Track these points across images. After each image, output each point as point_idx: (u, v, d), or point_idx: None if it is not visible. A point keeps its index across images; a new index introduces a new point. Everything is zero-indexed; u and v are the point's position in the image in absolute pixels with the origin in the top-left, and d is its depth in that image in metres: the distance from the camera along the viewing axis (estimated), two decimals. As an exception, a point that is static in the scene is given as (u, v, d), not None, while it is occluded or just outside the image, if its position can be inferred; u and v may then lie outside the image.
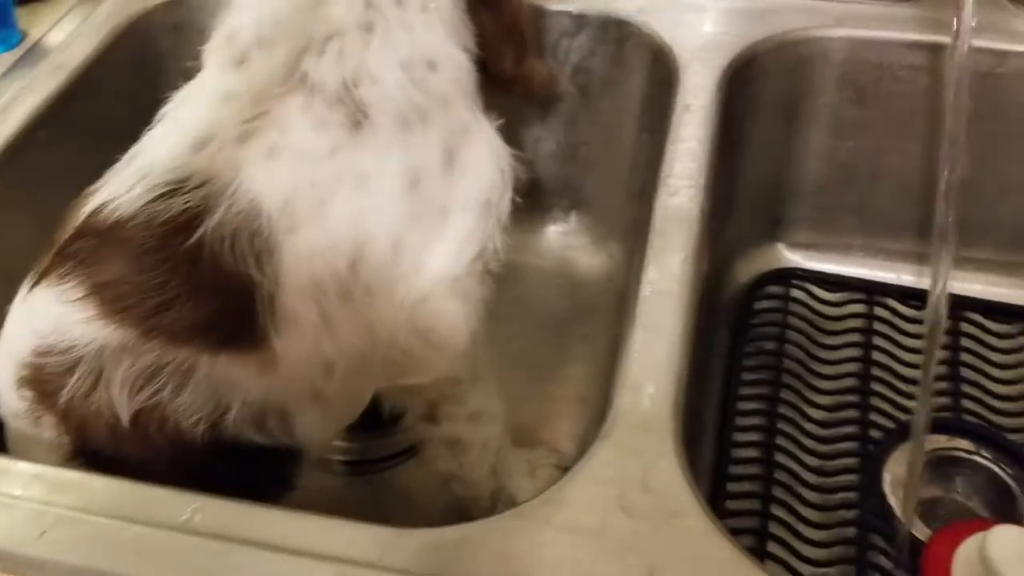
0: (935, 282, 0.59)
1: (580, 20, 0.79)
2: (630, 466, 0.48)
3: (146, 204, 0.53)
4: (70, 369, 0.52)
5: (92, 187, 0.57)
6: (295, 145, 0.55)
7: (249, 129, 0.55)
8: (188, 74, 0.83)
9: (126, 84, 0.80)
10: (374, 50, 0.56)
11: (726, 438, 0.76)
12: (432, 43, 0.58)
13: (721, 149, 0.69)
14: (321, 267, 0.54)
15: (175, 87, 0.83)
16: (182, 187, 0.53)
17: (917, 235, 0.85)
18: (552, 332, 0.86)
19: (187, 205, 0.52)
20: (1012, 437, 0.75)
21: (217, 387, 0.53)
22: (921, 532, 0.69)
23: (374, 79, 0.56)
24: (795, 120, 0.80)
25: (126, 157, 0.57)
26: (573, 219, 0.92)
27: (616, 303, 0.85)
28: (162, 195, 0.53)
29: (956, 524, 0.66)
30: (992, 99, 0.74)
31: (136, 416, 0.52)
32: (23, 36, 0.80)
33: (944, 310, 0.61)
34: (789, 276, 0.88)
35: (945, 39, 0.74)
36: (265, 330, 0.53)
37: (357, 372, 0.57)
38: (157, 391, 0.52)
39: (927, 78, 0.76)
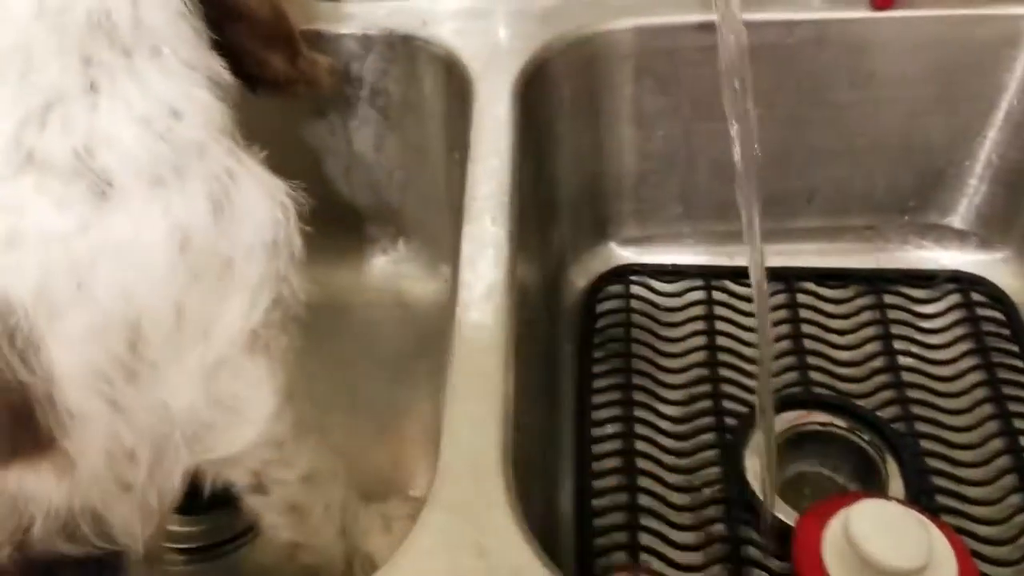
0: (753, 259, 0.58)
1: (365, 41, 0.75)
2: (463, 529, 0.44)
3: None
4: None
5: None
6: (37, 229, 0.49)
7: None
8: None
9: None
10: (104, 111, 0.51)
11: (585, 452, 0.74)
12: (170, 89, 0.53)
13: (527, 159, 0.66)
14: (97, 352, 0.49)
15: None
16: None
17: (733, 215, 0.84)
18: (395, 369, 0.82)
19: None
20: (862, 403, 0.75)
21: (14, 503, 0.48)
22: (789, 516, 0.68)
23: (110, 143, 0.50)
24: (601, 116, 0.78)
25: None
26: (401, 247, 0.88)
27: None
28: None
29: (820, 504, 0.65)
30: (787, 70, 0.74)
31: None
32: None
33: (765, 285, 0.60)
34: (626, 273, 0.86)
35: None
36: (51, 433, 0.48)
37: (163, 456, 0.53)
38: None
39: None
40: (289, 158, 0.57)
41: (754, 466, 0.72)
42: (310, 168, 0.81)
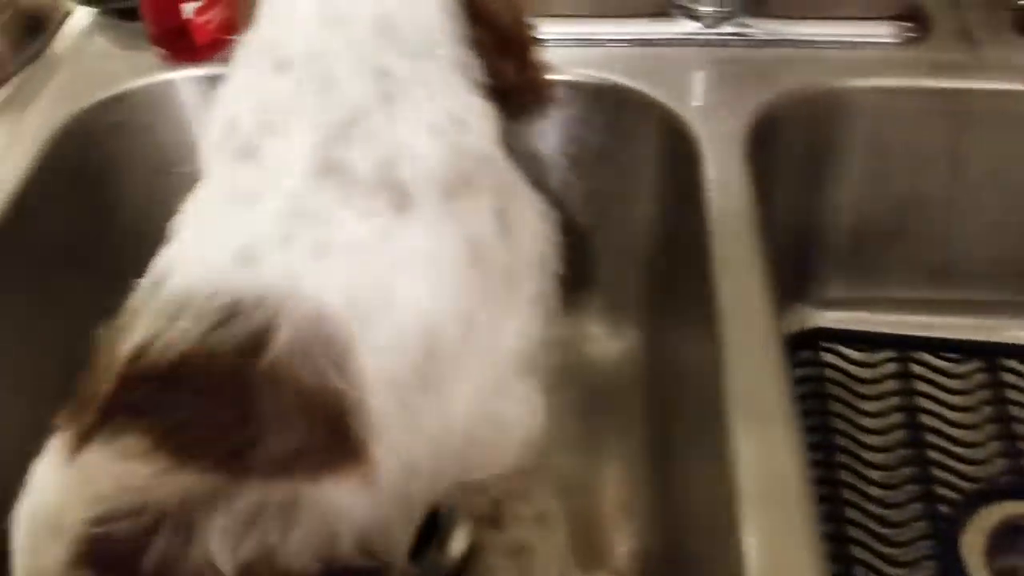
0: None
1: (571, 87, 0.72)
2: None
3: (202, 335, 0.46)
4: (149, 530, 0.44)
5: (116, 323, 0.48)
6: (343, 239, 0.49)
7: (288, 231, 0.49)
8: (140, 178, 0.74)
9: (67, 200, 0.70)
10: (400, 123, 0.50)
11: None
12: (454, 96, 0.53)
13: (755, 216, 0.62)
14: (399, 361, 0.49)
15: (126, 194, 0.74)
16: (237, 311, 0.46)
17: (942, 283, 0.80)
18: (579, 428, 0.77)
19: (249, 329, 0.46)
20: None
21: (325, 517, 0.47)
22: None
23: (409, 155, 0.50)
24: (816, 176, 0.74)
25: (148, 281, 0.50)
26: (583, 302, 0.84)
27: (641, 393, 0.77)
28: (218, 323, 0.46)
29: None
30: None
31: (243, 569, 0.45)
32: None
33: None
34: (818, 337, 0.81)
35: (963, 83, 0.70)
36: (361, 440, 0.47)
37: (437, 471, 0.52)
38: (262, 537, 0.45)
39: (947, 121, 0.71)
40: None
41: (970, 550, 0.67)
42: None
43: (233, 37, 0.57)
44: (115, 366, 0.47)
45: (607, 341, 0.82)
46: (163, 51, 0.74)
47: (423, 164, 0.50)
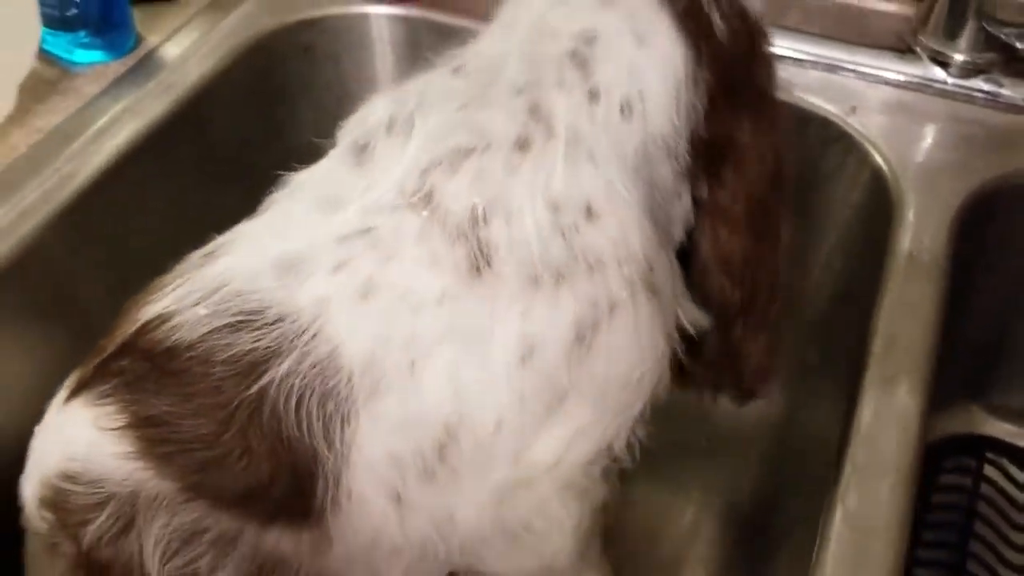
0: None
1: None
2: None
3: (209, 333, 0.43)
4: (98, 505, 0.44)
5: (159, 282, 0.47)
6: (397, 283, 0.44)
7: (346, 255, 0.44)
8: (316, 104, 0.74)
9: (242, 111, 0.70)
10: (521, 177, 0.44)
11: None
12: (602, 180, 0.44)
13: (946, 311, 0.55)
14: (403, 444, 0.44)
15: (299, 118, 0.74)
16: (254, 320, 0.43)
17: None
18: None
19: (256, 344, 0.43)
20: None
21: (262, 563, 0.45)
22: None
23: (510, 218, 0.43)
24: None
25: (205, 251, 0.47)
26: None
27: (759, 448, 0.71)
28: (229, 325, 0.43)
29: None
30: None
31: None
32: (138, 41, 0.70)
33: None
34: (983, 446, 0.72)
35: None
36: (324, 509, 0.44)
37: (425, 559, 0.48)
38: (192, 560, 0.44)
39: None
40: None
41: None
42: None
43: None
44: (127, 327, 0.46)
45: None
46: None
47: (519, 235, 0.43)
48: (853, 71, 0.67)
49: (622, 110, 0.45)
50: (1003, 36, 0.62)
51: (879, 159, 0.61)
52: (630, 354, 0.45)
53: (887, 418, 0.47)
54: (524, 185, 0.43)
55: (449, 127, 0.45)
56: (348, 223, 0.45)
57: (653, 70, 0.45)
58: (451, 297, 0.43)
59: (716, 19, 0.46)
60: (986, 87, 0.64)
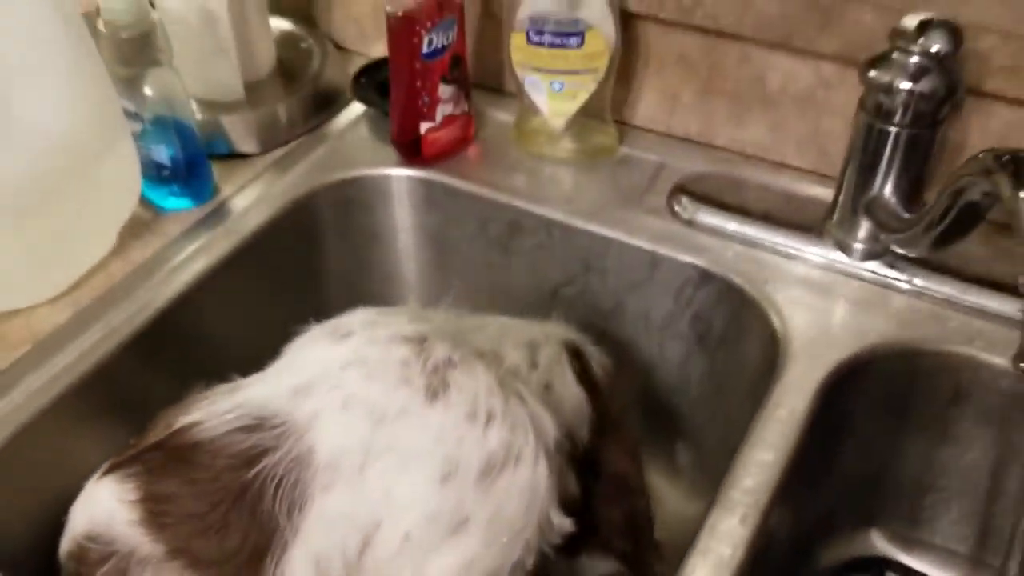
0: None
1: (706, 276, 0.80)
2: None
3: (227, 433, 0.57)
4: (104, 559, 0.58)
5: (193, 398, 0.63)
6: (370, 399, 0.57)
7: (343, 376, 0.59)
8: (351, 243, 0.92)
9: (286, 251, 0.88)
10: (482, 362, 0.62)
11: None
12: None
13: (811, 454, 0.68)
14: (336, 537, 0.56)
15: (336, 254, 0.92)
16: (263, 423, 0.57)
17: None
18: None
19: (259, 441, 0.57)
20: None
21: None
22: None
23: (472, 370, 0.59)
24: (905, 426, 0.77)
25: (230, 386, 0.63)
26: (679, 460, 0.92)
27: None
28: (245, 427, 0.57)
29: None
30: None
31: None
32: (216, 191, 0.89)
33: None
34: (880, 566, 0.84)
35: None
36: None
37: None
38: None
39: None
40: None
41: None
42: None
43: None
44: (160, 431, 0.60)
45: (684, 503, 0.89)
46: (398, 152, 0.91)
47: (473, 384, 0.59)
48: (772, 249, 0.81)
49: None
50: (882, 238, 0.76)
51: (776, 324, 0.75)
52: (523, 498, 0.58)
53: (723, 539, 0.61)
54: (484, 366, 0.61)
55: (461, 329, 0.66)
56: (351, 352, 0.60)
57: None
58: (408, 413, 0.57)
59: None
60: (880, 271, 0.77)
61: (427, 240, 0.93)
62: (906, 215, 0.73)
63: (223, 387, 0.63)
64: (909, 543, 0.84)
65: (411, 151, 0.90)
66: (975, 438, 0.76)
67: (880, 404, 0.76)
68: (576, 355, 0.71)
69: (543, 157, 0.91)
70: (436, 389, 0.58)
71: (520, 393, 0.61)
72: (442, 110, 0.88)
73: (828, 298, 0.77)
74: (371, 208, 0.92)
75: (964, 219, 0.63)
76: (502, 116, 0.95)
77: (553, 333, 0.73)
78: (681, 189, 0.86)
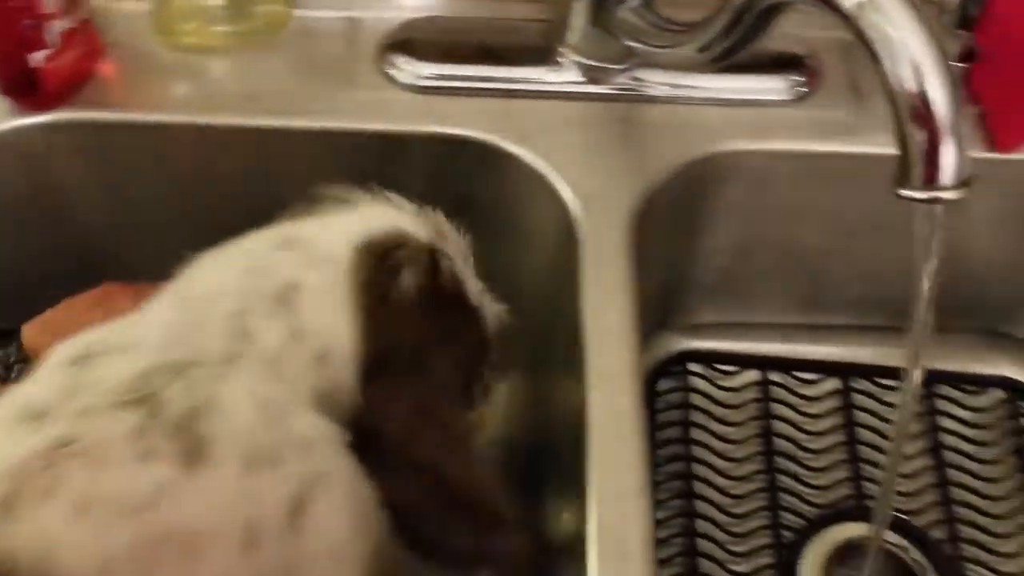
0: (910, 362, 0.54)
1: (454, 144, 0.70)
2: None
3: None
4: None
5: None
6: (111, 490, 0.44)
7: (54, 475, 0.44)
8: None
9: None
10: (229, 383, 0.48)
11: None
12: (303, 380, 0.51)
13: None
14: None
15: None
16: None
17: (808, 312, 0.84)
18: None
19: None
20: (916, 521, 0.78)
21: None
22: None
23: (223, 413, 0.47)
24: (695, 226, 0.76)
25: None
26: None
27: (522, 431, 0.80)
28: None
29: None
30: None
31: None
32: None
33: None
34: (687, 359, 0.85)
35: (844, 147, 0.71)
36: None
37: None
38: None
39: (826, 180, 0.74)
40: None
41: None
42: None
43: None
44: None
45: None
46: (8, 97, 0.68)
47: (233, 428, 0.47)
48: (510, 91, 0.72)
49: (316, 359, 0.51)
50: (639, 51, 0.69)
51: (553, 182, 0.68)
52: (344, 524, 0.49)
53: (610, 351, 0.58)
54: (233, 389, 0.48)
55: (168, 343, 0.49)
56: (52, 434, 0.45)
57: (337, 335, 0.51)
58: (168, 490, 0.45)
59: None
60: (628, 85, 0.72)
61: (99, 203, 0.72)
62: (668, 26, 0.67)
63: None
64: (699, 330, 0.86)
65: (25, 90, 0.67)
66: (738, 222, 0.76)
67: (675, 219, 0.73)
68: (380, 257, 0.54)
69: (201, 50, 0.71)
70: (191, 452, 0.46)
71: (288, 409, 0.49)
72: (55, 27, 0.65)
73: (593, 131, 0.71)
74: (9, 179, 0.69)
75: (758, 24, 0.57)
76: (130, 6, 0.73)
77: (328, 245, 0.54)
78: (389, 48, 0.72)
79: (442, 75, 0.71)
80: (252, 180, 0.72)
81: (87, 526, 0.43)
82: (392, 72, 0.72)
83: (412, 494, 0.52)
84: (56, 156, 0.70)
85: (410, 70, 0.71)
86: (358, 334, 0.51)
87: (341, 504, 0.49)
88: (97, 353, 0.49)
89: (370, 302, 0.52)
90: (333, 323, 0.51)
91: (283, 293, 0.51)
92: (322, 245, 0.53)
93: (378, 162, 0.70)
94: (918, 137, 0.46)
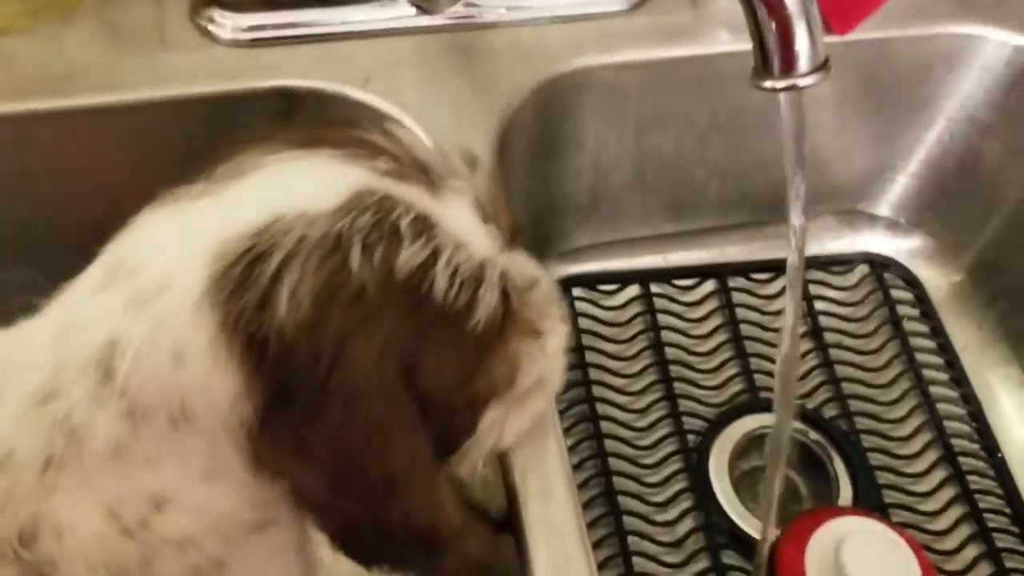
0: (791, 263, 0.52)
1: (291, 96, 0.66)
2: None
3: None
4: None
5: None
6: None
7: None
8: None
9: None
10: (61, 495, 0.40)
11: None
12: (168, 473, 0.40)
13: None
14: None
15: None
16: None
17: (675, 219, 0.84)
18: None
19: None
20: (809, 404, 0.80)
21: None
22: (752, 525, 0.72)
23: (60, 532, 0.40)
24: (554, 148, 0.74)
25: None
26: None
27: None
28: None
29: (798, 520, 0.70)
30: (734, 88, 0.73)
31: None
32: None
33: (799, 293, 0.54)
34: (569, 284, 0.84)
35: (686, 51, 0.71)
36: None
37: None
38: None
39: (674, 85, 0.73)
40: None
41: (722, 487, 0.76)
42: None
43: None
44: None
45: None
46: None
47: (77, 547, 0.40)
48: (340, 34, 0.67)
49: (172, 420, 0.39)
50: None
51: (410, 124, 0.64)
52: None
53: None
54: (68, 500, 0.40)
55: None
56: None
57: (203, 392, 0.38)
58: None
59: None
60: (463, 12, 0.69)
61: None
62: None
63: None
64: (576, 255, 0.85)
65: None
66: (596, 139, 0.75)
67: (533, 145, 0.71)
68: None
69: (-8, 31, 0.64)
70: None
71: (153, 503, 0.40)
72: None
73: (435, 65, 0.67)
74: None
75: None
76: None
77: (164, 268, 0.39)
78: (202, 2, 0.66)
79: (264, 25, 0.66)
80: (77, 171, 0.65)
81: None
82: (210, 28, 0.66)
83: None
84: None
85: (229, 23, 0.66)
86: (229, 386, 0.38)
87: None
88: None
89: (239, 339, 0.37)
90: (179, 382, 0.38)
91: (104, 360, 0.39)
92: (155, 270, 0.39)
93: (213, 128, 0.65)
94: (772, 27, 0.45)
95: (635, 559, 0.72)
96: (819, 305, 0.86)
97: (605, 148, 0.75)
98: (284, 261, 0.37)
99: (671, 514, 0.74)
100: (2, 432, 0.40)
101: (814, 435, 0.79)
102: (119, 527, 0.40)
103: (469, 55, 0.68)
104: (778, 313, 0.84)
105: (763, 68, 0.47)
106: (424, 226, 0.39)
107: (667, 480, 0.76)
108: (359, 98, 0.65)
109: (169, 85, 0.63)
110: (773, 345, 0.83)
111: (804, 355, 0.83)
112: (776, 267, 0.86)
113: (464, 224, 0.40)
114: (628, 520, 0.73)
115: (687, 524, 0.74)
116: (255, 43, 0.66)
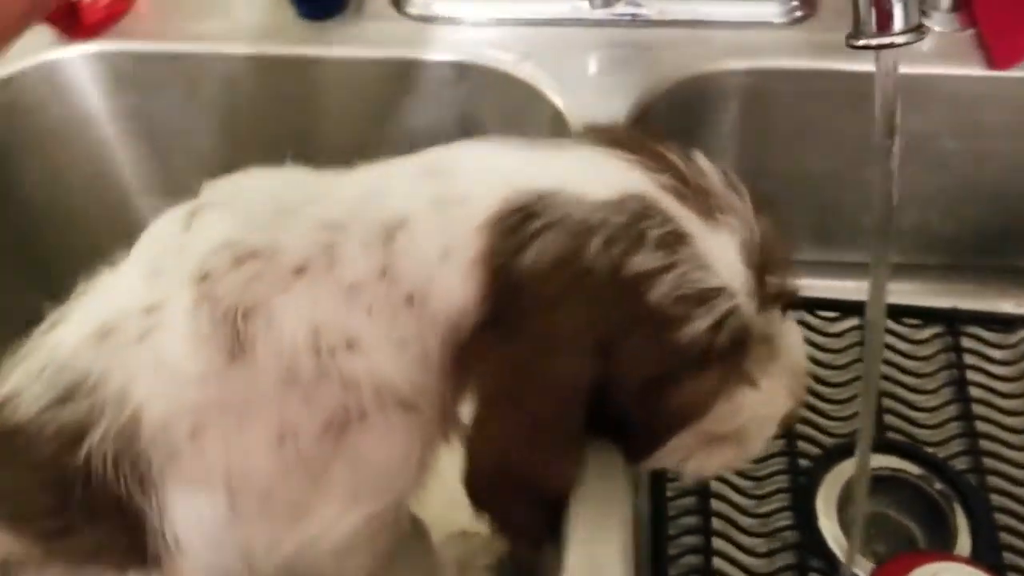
0: (872, 296, 0.53)
1: (460, 69, 0.73)
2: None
3: (41, 410, 0.49)
4: None
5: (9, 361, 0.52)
6: (173, 360, 0.48)
7: (149, 324, 0.49)
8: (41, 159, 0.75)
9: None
10: (289, 295, 0.47)
11: (658, 492, 0.75)
12: (375, 330, 0.47)
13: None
14: (203, 502, 0.50)
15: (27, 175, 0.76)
16: (75, 390, 0.48)
17: (822, 246, 0.84)
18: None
19: (74, 416, 0.48)
20: (933, 450, 0.76)
21: None
22: (859, 565, 0.69)
23: (270, 321, 0.47)
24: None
25: (45, 325, 0.52)
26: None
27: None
28: (57, 399, 0.49)
29: (892, 563, 0.67)
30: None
31: None
32: None
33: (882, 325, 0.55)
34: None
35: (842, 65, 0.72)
36: (160, 556, 0.50)
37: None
38: None
39: (827, 100, 0.74)
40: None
41: (827, 511, 0.73)
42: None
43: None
44: None
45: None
46: (54, 28, 0.74)
47: (276, 338, 0.47)
48: (523, 21, 0.75)
49: (408, 297, 0.47)
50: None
51: (553, 98, 0.70)
52: (379, 456, 0.50)
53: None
54: (294, 303, 0.47)
55: (253, 226, 0.49)
56: (150, 293, 0.49)
57: (448, 288, 0.46)
58: (215, 376, 0.47)
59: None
60: (628, 11, 0.74)
61: (133, 128, 0.78)
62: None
63: (40, 329, 0.52)
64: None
65: (68, 22, 0.73)
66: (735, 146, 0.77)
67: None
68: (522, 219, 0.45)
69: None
70: (233, 347, 0.48)
71: (346, 341, 0.48)
72: (94, -37, 0.71)
73: (591, 54, 0.73)
74: (44, 108, 0.75)
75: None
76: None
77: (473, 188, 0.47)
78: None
79: (452, 8, 0.75)
80: (276, 108, 0.76)
81: (161, 375, 0.48)
82: (406, 6, 0.76)
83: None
84: (102, 87, 0.76)
85: (422, 2, 0.75)
86: (470, 294, 0.46)
87: (380, 443, 0.50)
88: (205, 209, 0.51)
89: (491, 266, 0.45)
90: (435, 272, 0.46)
91: (390, 227, 0.47)
92: (464, 183, 0.47)
93: (387, 89, 0.74)
94: (868, -13, 0.47)
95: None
96: (969, 359, 0.82)
97: (746, 159, 0.77)
98: (545, 226, 0.44)
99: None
100: (281, 236, 0.48)
101: (939, 484, 0.75)
102: (313, 344, 0.47)
103: (625, 47, 0.73)
104: (925, 359, 0.82)
105: (858, 28, 0.49)
106: (673, 240, 0.44)
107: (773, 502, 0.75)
108: (516, 75, 0.72)
109: (351, 47, 0.73)
110: (911, 389, 0.80)
111: (944, 405, 0.79)
112: (933, 314, 0.83)
113: (720, 255, 0.45)
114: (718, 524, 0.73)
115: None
116: (433, 19, 0.74)
